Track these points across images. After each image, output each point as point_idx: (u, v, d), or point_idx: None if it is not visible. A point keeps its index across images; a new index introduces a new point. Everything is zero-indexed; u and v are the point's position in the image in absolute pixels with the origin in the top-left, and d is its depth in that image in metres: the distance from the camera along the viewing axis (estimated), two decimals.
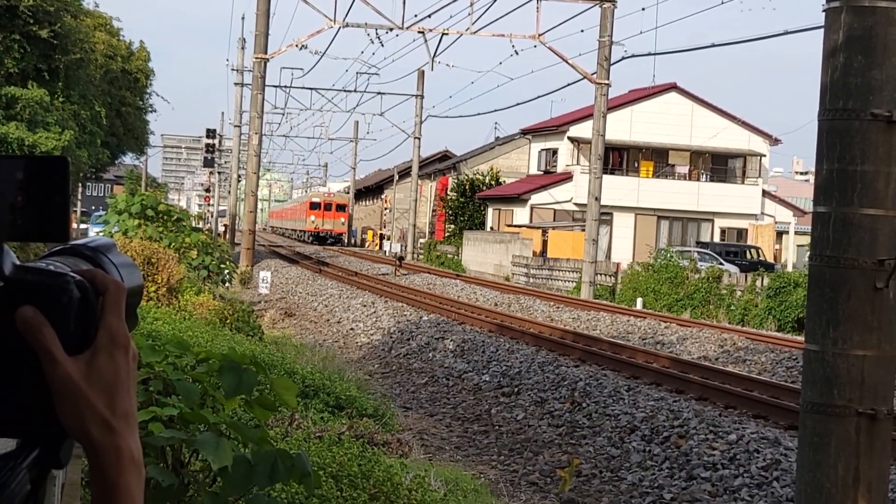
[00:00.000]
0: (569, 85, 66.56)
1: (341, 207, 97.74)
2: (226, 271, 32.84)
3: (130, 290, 1.33)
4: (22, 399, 1.26)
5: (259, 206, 75.69)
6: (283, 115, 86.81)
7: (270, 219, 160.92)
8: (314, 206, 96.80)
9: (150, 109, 75.43)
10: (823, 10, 6.71)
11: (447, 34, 45.68)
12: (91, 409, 1.24)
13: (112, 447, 1.25)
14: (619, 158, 64.39)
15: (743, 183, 65.43)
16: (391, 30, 46.07)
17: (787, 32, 33.74)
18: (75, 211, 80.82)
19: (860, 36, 6.49)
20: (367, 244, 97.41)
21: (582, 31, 42.21)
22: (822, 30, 6.78)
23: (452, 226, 72.17)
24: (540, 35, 43.66)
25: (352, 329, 27.77)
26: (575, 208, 60.51)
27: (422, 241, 77.91)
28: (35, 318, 1.22)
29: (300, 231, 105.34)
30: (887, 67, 6.47)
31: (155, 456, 5.12)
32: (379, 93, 73.66)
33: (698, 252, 49.85)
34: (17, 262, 1.25)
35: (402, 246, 61.77)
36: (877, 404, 6.55)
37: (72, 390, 1.23)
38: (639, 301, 38.87)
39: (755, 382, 18.29)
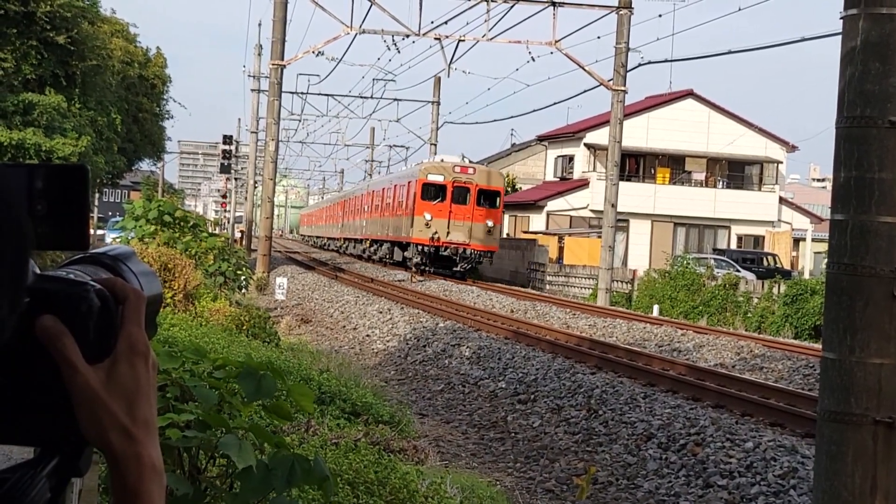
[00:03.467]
0: (585, 91, 66.43)
1: (490, 198, 49.49)
2: (242, 277, 32.89)
3: (150, 298, 1.34)
4: (42, 407, 1.26)
5: (275, 211, 75.76)
6: (300, 121, 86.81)
7: (303, 224, 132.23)
8: (432, 191, 49.40)
9: (166, 116, 75.83)
10: (841, 18, 6.70)
11: (463, 41, 45.73)
12: (111, 417, 1.25)
13: (132, 455, 1.26)
14: (635, 165, 64.41)
15: (760, 190, 65.34)
16: (407, 36, 46.12)
17: (804, 39, 33.69)
18: (92, 217, 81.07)
19: (878, 43, 6.47)
20: None
21: (598, 37, 42.23)
22: (840, 36, 6.77)
23: None
24: (556, 42, 43.65)
25: (368, 335, 27.77)
26: (591, 215, 60.53)
27: None
28: (55, 326, 1.22)
29: (384, 241, 58.16)
30: None
31: (172, 462, 5.12)
32: (395, 99, 73.76)
33: (715, 259, 49.80)
34: (37, 271, 1.26)
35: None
36: (894, 412, 6.53)
37: (92, 398, 1.24)
38: (655, 308, 38.82)
39: (772, 390, 18.23)
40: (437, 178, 49.31)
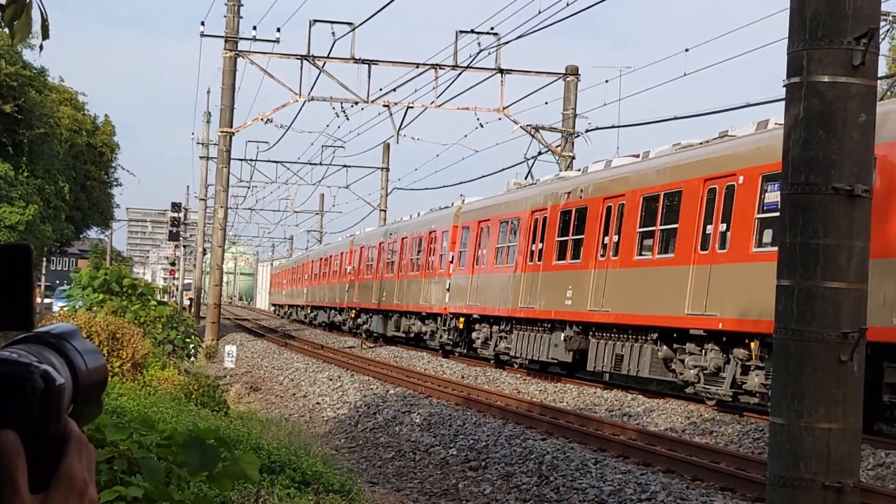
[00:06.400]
0: (534, 157, 66.88)
1: None
2: (191, 346, 32.68)
3: (95, 376, 1.33)
4: None
5: (224, 278, 75.13)
6: (249, 188, 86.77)
7: (276, 289, 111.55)
8: None
9: (115, 183, 75.43)
10: (784, 86, 6.78)
11: (412, 107, 45.98)
12: None
13: None
14: None
15: None
16: (356, 103, 46.33)
17: (748, 105, 34.15)
18: (39, 285, 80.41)
19: (820, 111, 6.56)
20: None
21: (546, 103, 42.66)
22: (784, 103, 6.85)
23: None
24: (504, 108, 43.96)
25: (318, 403, 27.63)
26: None
27: None
28: (13, 444, 1.21)
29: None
30: (847, 142, 6.54)
31: None
32: (344, 165, 74.02)
33: None
34: None
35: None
36: (843, 477, 6.55)
37: None
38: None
39: (722, 454, 18.27)
40: None
